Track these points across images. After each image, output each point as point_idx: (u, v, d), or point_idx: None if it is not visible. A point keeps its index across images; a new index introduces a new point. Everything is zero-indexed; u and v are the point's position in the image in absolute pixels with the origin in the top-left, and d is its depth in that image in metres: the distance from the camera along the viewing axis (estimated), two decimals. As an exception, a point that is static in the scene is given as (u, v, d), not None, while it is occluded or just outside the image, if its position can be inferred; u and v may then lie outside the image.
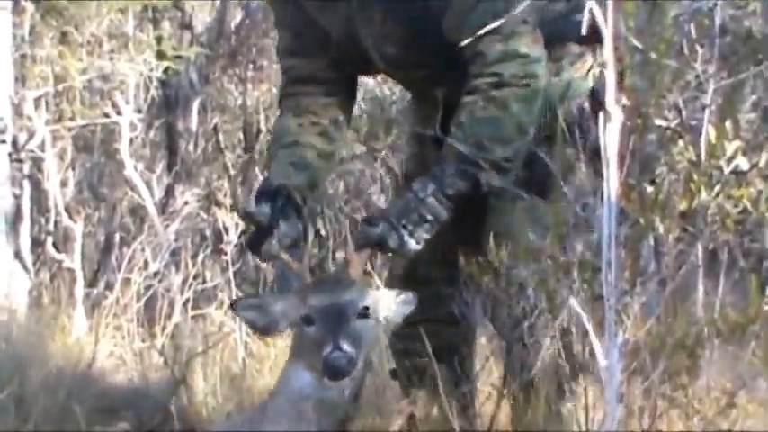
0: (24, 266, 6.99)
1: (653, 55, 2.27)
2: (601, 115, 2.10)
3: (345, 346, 2.54)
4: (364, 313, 2.66)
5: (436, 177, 2.89)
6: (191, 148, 9.46)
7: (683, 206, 2.38)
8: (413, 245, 2.85)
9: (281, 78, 3.53)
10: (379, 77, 6.09)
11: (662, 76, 2.31)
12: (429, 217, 2.85)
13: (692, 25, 3.12)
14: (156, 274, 6.74)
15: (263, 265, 7.47)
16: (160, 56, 7.44)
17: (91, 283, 7.37)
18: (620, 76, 2.15)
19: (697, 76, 2.84)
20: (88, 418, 4.13)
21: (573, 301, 2.01)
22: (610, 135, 2.06)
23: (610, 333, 1.91)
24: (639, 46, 2.30)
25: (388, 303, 2.79)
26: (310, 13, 3.23)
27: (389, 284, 3.27)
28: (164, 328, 5.97)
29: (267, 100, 11.24)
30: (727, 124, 2.41)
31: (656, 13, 2.28)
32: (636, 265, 2.20)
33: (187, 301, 6.36)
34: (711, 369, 2.18)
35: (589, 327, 1.92)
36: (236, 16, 10.48)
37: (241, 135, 10.97)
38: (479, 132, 2.89)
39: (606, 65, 2.07)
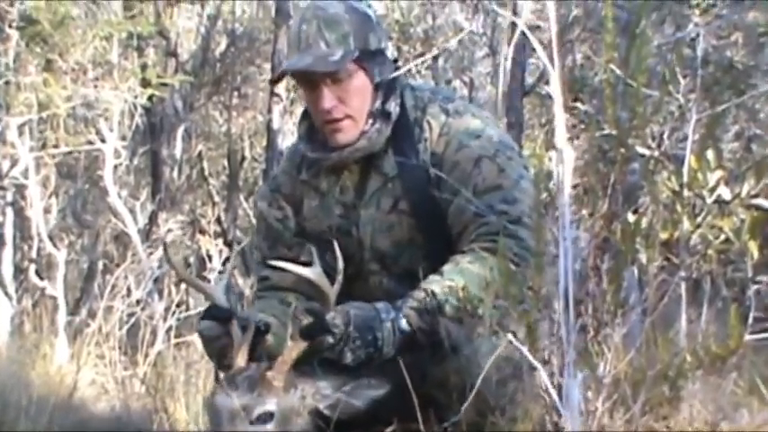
0: (6, 294, 6.97)
1: (634, 85, 2.28)
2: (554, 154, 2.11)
3: None
4: (262, 418, 2.59)
5: (397, 308, 2.78)
6: (175, 175, 9.48)
7: (665, 236, 2.38)
8: (348, 359, 2.71)
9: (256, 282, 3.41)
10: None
11: (644, 106, 2.32)
12: (378, 343, 2.72)
13: (674, 55, 3.14)
14: (138, 301, 6.73)
15: (247, 291, 7.48)
16: (145, 83, 7.45)
17: (73, 311, 7.35)
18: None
19: (680, 106, 2.85)
20: (69, 447, 4.11)
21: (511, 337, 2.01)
22: (564, 175, 2.07)
23: (569, 372, 1.91)
24: (621, 76, 2.31)
25: (329, 393, 2.68)
26: (311, 208, 3.18)
27: None
28: (146, 356, 5.95)
29: (252, 127, 11.28)
30: (710, 154, 2.41)
31: (637, 43, 2.29)
32: (617, 296, 2.20)
33: (170, 328, 6.34)
34: (693, 400, 2.18)
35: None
36: (221, 44, 10.53)
37: (225, 162, 11.00)
38: (457, 281, 2.78)
39: (555, 102, 2.07)
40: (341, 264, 2.71)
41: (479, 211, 2.86)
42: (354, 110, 3.00)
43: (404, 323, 2.77)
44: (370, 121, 3.04)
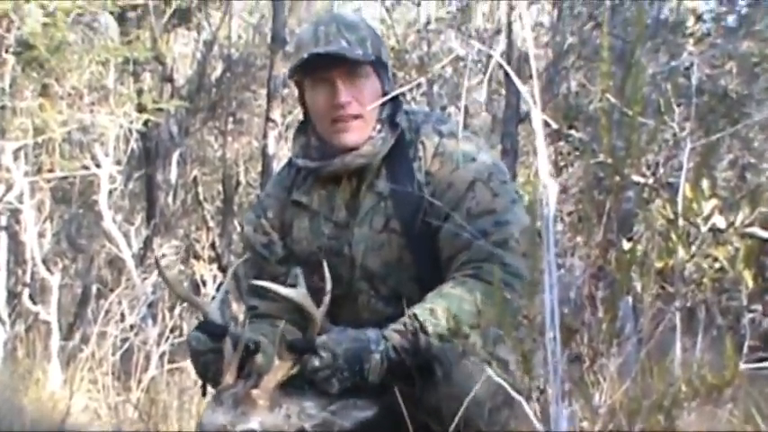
0: (-1, 318, 6.95)
1: (629, 113, 2.28)
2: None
3: None
4: None
5: (387, 338, 2.77)
6: (170, 200, 9.48)
7: (660, 264, 2.38)
8: (334, 389, 2.70)
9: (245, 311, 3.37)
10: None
11: (639, 134, 2.32)
12: (365, 374, 2.71)
13: (669, 84, 3.15)
14: (132, 326, 6.70)
15: (240, 317, 7.46)
16: (140, 108, 7.46)
17: (66, 336, 7.32)
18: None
19: (674, 135, 2.85)
20: (61, 474, 4.09)
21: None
22: (548, 205, 2.07)
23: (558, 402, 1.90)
24: (617, 104, 2.32)
25: (314, 412, 2.66)
26: (301, 229, 3.15)
27: None
28: (139, 382, 5.93)
29: (247, 152, 11.29)
30: (704, 183, 2.41)
31: (632, 72, 2.30)
32: (613, 325, 2.19)
33: (163, 354, 6.33)
34: (689, 430, 2.17)
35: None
36: (217, 69, 10.55)
37: (220, 187, 11.00)
38: (438, 303, 2.78)
39: (537, 137, 2.08)
40: (329, 285, 2.70)
41: (470, 236, 2.86)
42: (367, 111, 3.00)
43: (392, 352, 2.76)
44: (378, 127, 3.05)
